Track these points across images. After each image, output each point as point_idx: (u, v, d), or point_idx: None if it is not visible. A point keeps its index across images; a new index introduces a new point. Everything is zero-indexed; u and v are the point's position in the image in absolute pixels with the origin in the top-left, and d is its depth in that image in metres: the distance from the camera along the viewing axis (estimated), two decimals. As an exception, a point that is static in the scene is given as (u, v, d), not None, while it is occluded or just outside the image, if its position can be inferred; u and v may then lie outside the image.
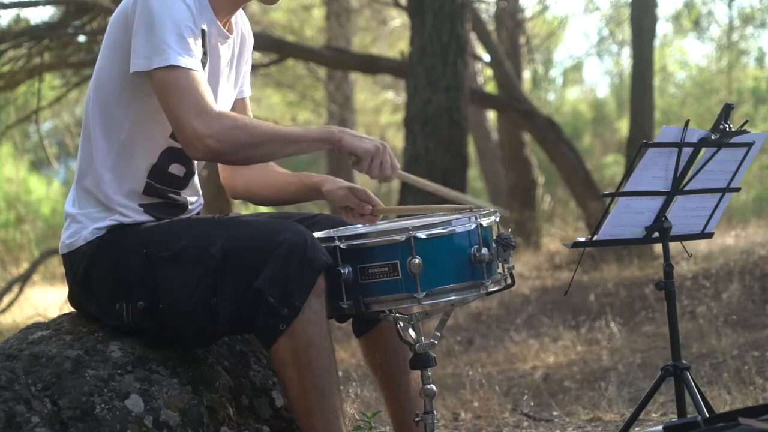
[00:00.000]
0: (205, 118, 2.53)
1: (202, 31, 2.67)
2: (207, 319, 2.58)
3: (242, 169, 2.98)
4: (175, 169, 2.77)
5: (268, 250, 2.52)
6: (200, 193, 2.92)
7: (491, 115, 15.40)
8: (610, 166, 20.38)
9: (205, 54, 2.71)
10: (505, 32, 14.37)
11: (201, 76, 2.58)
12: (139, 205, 2.73)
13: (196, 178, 2.86)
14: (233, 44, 2.85)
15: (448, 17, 8.87)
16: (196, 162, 2.81)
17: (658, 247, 6.20)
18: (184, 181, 2.81)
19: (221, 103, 2.85)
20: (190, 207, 2.85)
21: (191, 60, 2.56)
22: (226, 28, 2.80)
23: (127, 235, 2.69)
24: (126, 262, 2.65)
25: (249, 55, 2.97)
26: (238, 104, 2.97)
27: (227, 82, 2.85)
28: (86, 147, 2.75)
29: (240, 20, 2.89)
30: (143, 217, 2.73)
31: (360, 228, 2.76)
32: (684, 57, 24.24)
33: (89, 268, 2.70)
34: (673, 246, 3.17)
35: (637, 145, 3.14)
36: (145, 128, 2.70)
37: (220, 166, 2.97)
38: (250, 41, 2.95)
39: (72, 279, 2.77)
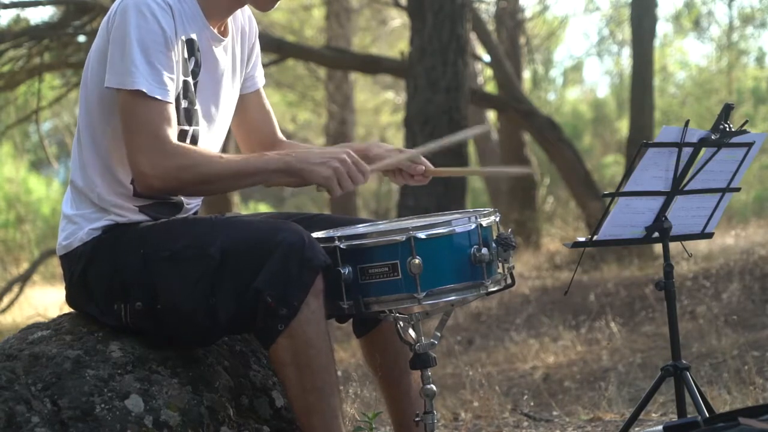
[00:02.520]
0: (154, 155, 2.53)
1: (191, 40, 2.66)
2: (205, 319, 2.58)
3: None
4: None
5: (266, 251, 2.51)
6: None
7: (491, 115, 15.41)
8: (610, 166, 20.38)
9: (197, 64, 2.70)
10: (505, 32, 14.38)
11: (164, 107, 2.56)
12: (134, 205, 2.73)
13: None
14: (231, 45, 2.83)
15: (448, 17, 8.87)
16: None
17: (658, 247, 6.20)
18: None
19: (224, 107, 2.83)
20: (186, 206, 2.84)
21: (158, 89, 2.55)
22: (221, 30, 2.79)
23: (124, 235, 2.68)
24: (124, 262, 2.64)
25: (255, 46, 2.94)
26: (253, 97, 2.96)
27: (231, 85, 2.84)
28: (78, 148, 2.75)
29: (240, 15, 2.87)
30: (139, 217, 2.72)
31: (360, 228, 2.76)
32: (684, 57, 24.26)
33: (86, 269, 2.70)
34: (673, 246, 3.17)
35: (637, 145, 3.14)
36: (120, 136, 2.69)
37: (240, 147, 2.98)
38: (252, 32, 2.92)
39: (69, 280, 2.77)
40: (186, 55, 2.66)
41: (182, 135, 2.68)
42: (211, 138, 2.80)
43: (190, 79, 2.68)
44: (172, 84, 2.59)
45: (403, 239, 2.52)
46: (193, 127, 2.71)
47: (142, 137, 2.54)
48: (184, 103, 2.67)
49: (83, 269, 2.70)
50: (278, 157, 2.60)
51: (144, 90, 2.53)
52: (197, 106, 2.72)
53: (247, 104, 2.94)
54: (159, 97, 2.55)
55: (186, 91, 2.67)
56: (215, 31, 2.75)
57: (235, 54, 2.85)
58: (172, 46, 2.59)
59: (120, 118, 2.59)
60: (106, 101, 2.65)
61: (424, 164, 2.91)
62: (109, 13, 2.64)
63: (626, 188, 2.99)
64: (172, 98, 2.59)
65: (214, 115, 2.79)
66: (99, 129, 2.69)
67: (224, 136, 2.88)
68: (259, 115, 2.98)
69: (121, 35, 2.56)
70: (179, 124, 2.67)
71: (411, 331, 2.62)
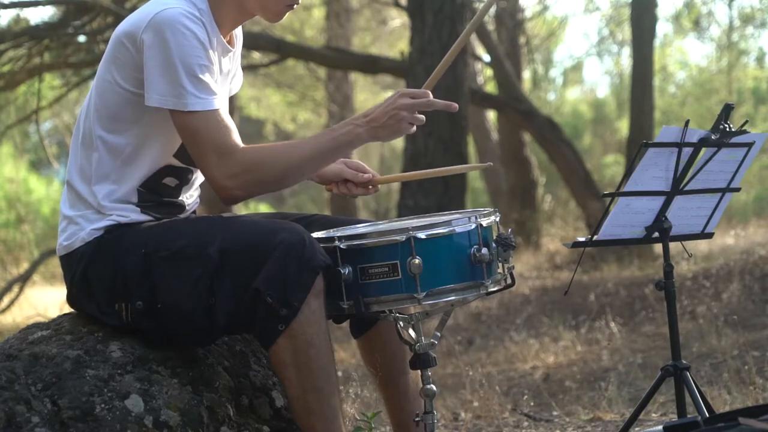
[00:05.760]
0: (227, 168, 2.57)
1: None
2: (205, 319, 2.58)
3: None
4: (169, 180, 2.77)
5: (266, 251, 2.52)
6: (198, 192, 2.91)
7: (491, 115, 15.40)
8: (610, 166, 20.38)
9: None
10: (505, 32, 14.37)
11: (220, 115, 2.59)
12: (136, 205, 2.73)
13: (193, 183, 2.85)
14: (232, 55, 2.84)
15: (448, 17, 8.87)
16: (193, 174, 2.81)
17: (658, 247, 6.20)
18: (176, 191, 2.81)
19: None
20: (187, 207, 2.85)
21: (208, 100, 2.58)
22: (229, 40, 2.80)
23: (126, 235, 2.68)
24: (124, 262, 2.65)
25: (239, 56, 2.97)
26: None
27: (228, 93, 2.86)
28: (84, 152, 2.74)
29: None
30: (141, 217, 2.73)
31: (360, 228, 2.76)
32: (684, 57, 24.25)
33: (88, 269, 2.70)
34: (673, 246, 3.17)
35: (637, 145, 3.14)
36: (148, 145, 2.70)
37: None
38: (241, 42, 2.95)
39: (70, 280, 2.77)
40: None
41: None
42: None
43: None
44: (218, 88, 2.62)
45: (403, 239, 2.52)
46: None
47: (211, 154, 2.58)
48: None
49: (84, 269, 2.70)
50: (347, 133, 2.65)
51: (196, 109, 2.56)
52: None
53: None
54: (211, 108, 2.58)
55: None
56: (225, 41, 2.76)
57: (233, 64, 2.87)
58: (209, 55, 2.61)
59: (183, 139, 2.63)
60: (130, 109, 2.66)
61: (369, 172, 2.91)
62: (127, 27, 2.63)
63: (626, 188, 3.00)
64: (220, 103, 2.62)
65: None
66: (121, 136, 2.69)
67: None
68: None
69: (161, 55, 2.56)
70: None
71: (411, 331, 2.62)
